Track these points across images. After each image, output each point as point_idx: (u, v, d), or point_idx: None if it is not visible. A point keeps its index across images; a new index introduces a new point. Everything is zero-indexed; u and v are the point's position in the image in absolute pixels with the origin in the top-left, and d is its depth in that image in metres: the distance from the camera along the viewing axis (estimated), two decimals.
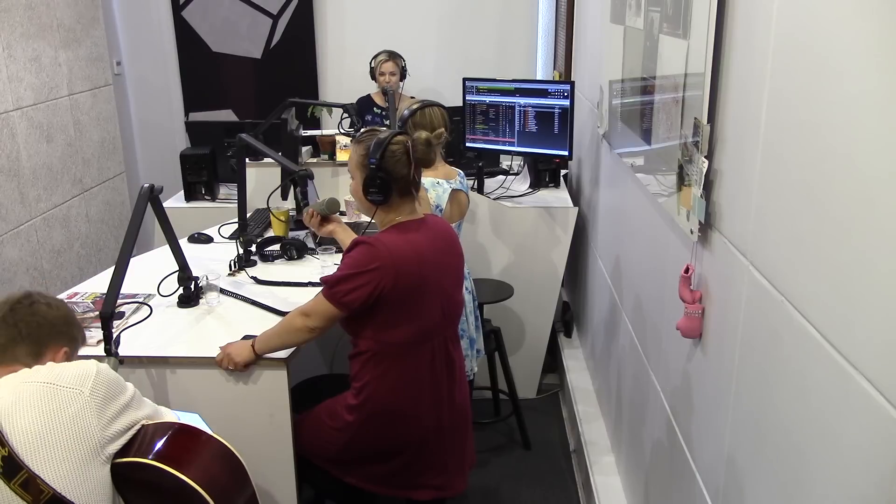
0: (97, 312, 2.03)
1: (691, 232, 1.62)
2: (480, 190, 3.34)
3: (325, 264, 2.54)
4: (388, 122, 3.71)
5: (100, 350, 1.88)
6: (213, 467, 1.42)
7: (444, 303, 1.94)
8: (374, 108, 4.15)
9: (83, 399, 1.29)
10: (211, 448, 1.46)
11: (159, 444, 1.40)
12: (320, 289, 1.91)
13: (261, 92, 4.91)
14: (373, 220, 1.98)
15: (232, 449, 1.48)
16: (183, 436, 1.45)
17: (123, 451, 1.38)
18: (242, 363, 1.95)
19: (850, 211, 0.99)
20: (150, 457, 1.36)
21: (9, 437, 1.22)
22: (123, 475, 1.35)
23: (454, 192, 2.52)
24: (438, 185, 2.48)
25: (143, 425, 1.43)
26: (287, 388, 2.01)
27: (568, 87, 3.06)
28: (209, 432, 1.49)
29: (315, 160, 3.53)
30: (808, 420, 1.12)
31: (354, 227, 2.97)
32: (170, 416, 1.55)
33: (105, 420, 1.32)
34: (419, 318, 1.89)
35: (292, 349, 2.00)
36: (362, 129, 2.00)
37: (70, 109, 4.06)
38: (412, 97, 4.01)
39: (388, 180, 1.88)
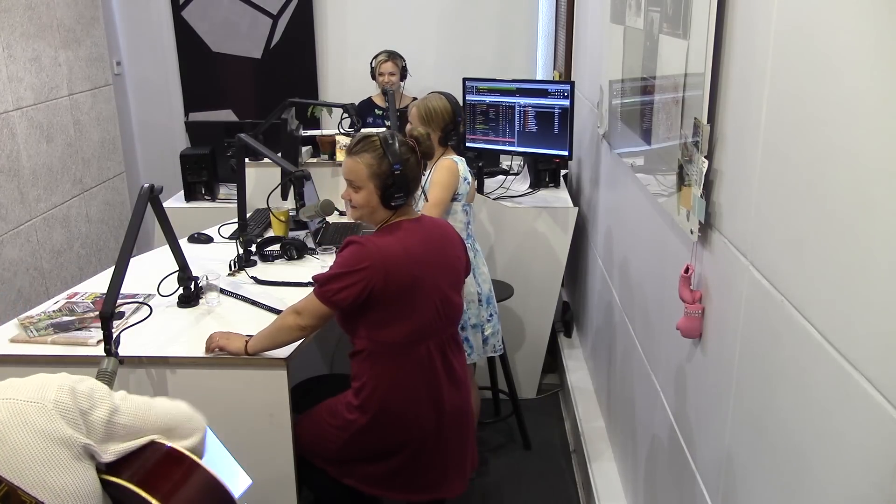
0: (97, 312, 2.04)
1: (691, 232, 1.62)
2: (480, 190, 3.34)
3: (325, 264, 2.54)
4: (388, 124, 3.71)
5: (100, 350, 1.89)
6: (195, 498, 1.37)
7: (438, 304, 1.94)
8: (375, 111, 4.15)
9: (47, 412, 1.22)
10: (197, 478, 1.40)
11: (144, 468, 1.34)
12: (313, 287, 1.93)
13: (261, 92, 4.91)
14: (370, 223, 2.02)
15: (219, 480, 1.42)
16: (169, 462, 1.38)
17: (120, 466, 1.31)
18: (231, 352, 1.99)
19: (851, 211, 0.99)
20: (127, 478, 1.30)
21: None
22: (111, 493, 1.32)
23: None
24: (462, 161, 2.59)
25: (153, 441, 1.36)
26: (287, 388, 2.01)
27: (568, 87, 3.06)
28: (197, 460, 1.44)
29: (315, 160, 3.53)
30: (808, 420, 1.12)
31: (355, 226, 2.98)
32: (193, 424, 1.46)
33: (81, 428, 1.25)
34: (411, 318, 1.89)
35: (292, 349, 2.00)
36: (355, 137, 2.02)
37: (70, 109, 4.06)
38: (414, 98, 4.00)
39: (404, 181, 1.93)
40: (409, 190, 1.94)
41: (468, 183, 2.56)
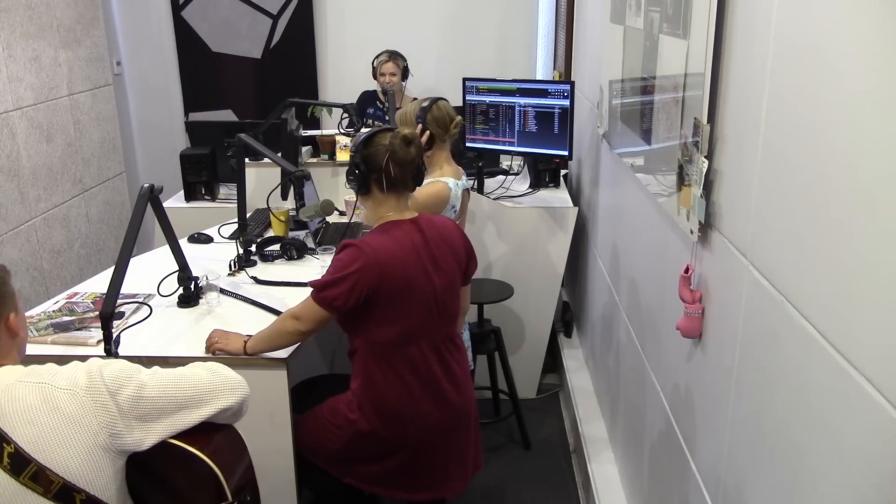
0: (97, 312, 2.04)
1: (691, 232, 1.62)
2: (480, 190, 3.34)
3: (325, 264, 2.54)
4: (388, 119, 3.72)
5: (100, 350, 1.89)
6: (217, 438, 1.42)
7: (432, 304, 1.94)
8: (378, 102, 4.15)
9: (79, 399, 1.27)
10: (223, 429, 1.46)
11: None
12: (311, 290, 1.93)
13: (261, 92, 4.91)
14: (357, 204, 2.05)
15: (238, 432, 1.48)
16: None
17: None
18: (230, 352, 1.99)
19: (851, 211, 0.99)
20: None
21: (11, 434, 1.23)
22: (151, 459, 1.34)
23: (464, 191, 2.56)
24: (457, 185, 2.51)
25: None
26: (287, 388, 2.01)
27: (568, 87, 3.06)
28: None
29: (315, 160, 3.53)
30: (807, 420, 1.12)
31: (355, 227, 2.98)
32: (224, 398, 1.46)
33: (112, 410, 1.29)
34: (404, 319, 1.90)
35: (292, 348, 2.00)
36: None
37: (70, 109, 4.06)
38: (415, 98, 4.00)
39: (365, 171, 1.95)
40: (362, 179, 1.94)
41: (454, 210, 2.49)
